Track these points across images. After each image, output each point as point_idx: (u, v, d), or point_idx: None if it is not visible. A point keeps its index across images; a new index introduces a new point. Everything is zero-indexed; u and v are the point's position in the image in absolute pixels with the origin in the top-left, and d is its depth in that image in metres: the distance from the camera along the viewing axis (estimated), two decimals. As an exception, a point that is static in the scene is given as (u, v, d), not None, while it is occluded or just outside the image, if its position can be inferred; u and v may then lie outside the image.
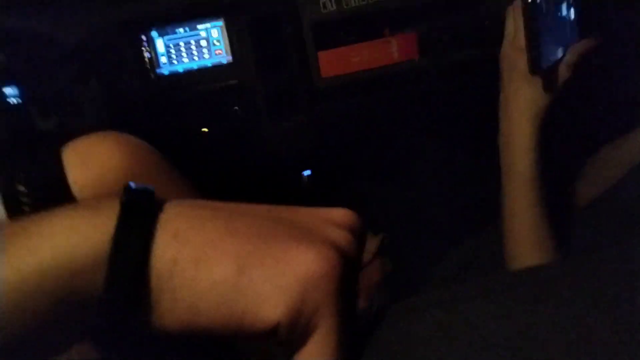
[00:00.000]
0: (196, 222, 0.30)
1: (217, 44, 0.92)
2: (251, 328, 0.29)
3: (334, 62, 0.94)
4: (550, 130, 0.73)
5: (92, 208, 0.30)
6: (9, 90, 0.85)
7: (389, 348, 0.33)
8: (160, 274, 0.29)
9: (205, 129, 0.91)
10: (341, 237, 0.32)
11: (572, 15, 0.75)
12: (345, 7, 0.93)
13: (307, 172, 1.02)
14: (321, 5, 0.92)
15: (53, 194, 0.41)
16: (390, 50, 0.95)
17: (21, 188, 0.40)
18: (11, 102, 0.85)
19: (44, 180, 0.41)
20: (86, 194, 0.41)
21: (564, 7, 0.73)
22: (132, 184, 0.31)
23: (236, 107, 0.93)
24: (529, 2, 0.65)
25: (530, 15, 0.66)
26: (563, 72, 0.71)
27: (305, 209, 0.34)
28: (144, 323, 0.29)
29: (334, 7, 0.92)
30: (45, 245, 0.28)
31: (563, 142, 0.82)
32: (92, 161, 0.43)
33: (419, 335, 0.33)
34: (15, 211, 0.40)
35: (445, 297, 0.36)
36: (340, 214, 0.34)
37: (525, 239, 0.72)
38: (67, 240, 0.28)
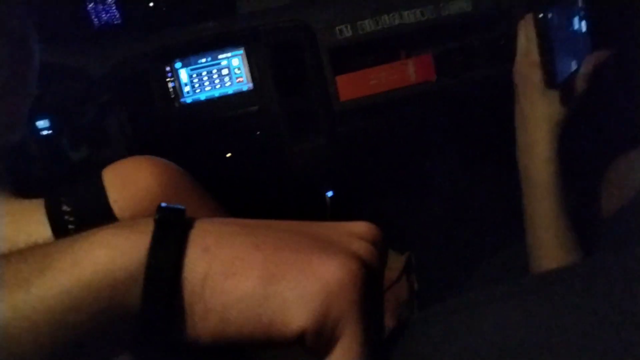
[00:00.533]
0: (225, 237, 0.32)
1: (238, 72, 0.95)
2: (279, 336, 0.30)
3: (352, 86, 0.96)
4: (570, 141, 0.72)
5: (128, 226, 0.32)
6: (41, 123, 0.88)
7: (410, 354, 0.34)
8: (192, 287, 0.30)
9: (229, 154, 0.94)
10: (363, 248, 0.33)
11: (584, 28, 0.75)
12: (360, 32, 0.95)
13: (329, 193, 1.03)
14: (337, 31, 0.95)
15: (96, 213, 0.44)
16: (407, 72, 0.97)
17: (66, 208, 0.43)
18: (44, 134, 0.88)
19: (87, 200, 0.44)
20: (126, 213, 0.44)
21: (576, 20, 0.73)
22: (164, 204, 0.33)
23: (258, 132, 0.95)
24: (541, 17, 0.65)
25: (543, 29, 0.65)
26: (579, 84, 0.71)
27: (327, 223, 0.36)
28: (178, 334, 0.31)
29: (350, 32, 0.95)
30: (85, 261, 0.30)
31: (583, 152, 0.82)
32: (130, 183, 0.46)
33: (438, 341, 0.33)
34: (60, 230, 0.42)
35: (465, 303, 0.36)
36: (361, 227, 0.35)
37: (549, 250, 0.71)
38: (106, 256, 0.30)
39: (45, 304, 0.28)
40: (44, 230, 0.43)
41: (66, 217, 0.43)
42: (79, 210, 0.43)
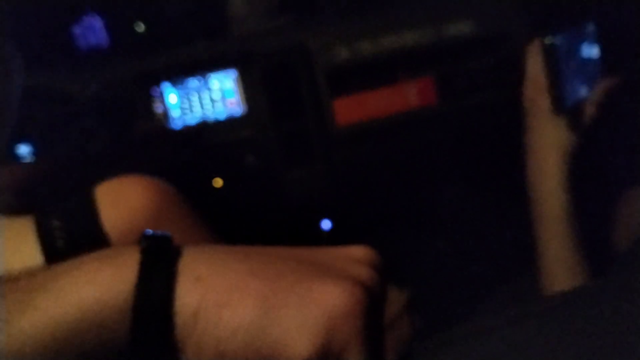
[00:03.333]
0: (217, 265, 0.31)
1: (230, 94, 0.92)
2: None
3: (349, 110, 0.94)
4: (582, 168, 0.72)
5: (113, 258, 0.31)
6: (22, 149, 0.86)
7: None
8: (184, 320, 0.29)
9: (220, 181, 0.91)
10: (363, 273, 0.33)
11: (595, 55, 0.76)
12: (359, 54, 0.93)
13: (326, 222, 1.01)
14: (335, 53, 0.93)
15: (86, 230, 0.43)
16: (407, 95, 0.94)
17: (56, 223, 0.43)
18: (25, 161, 0.86)
19: (78, 217, 0.44)
20: (117, 230, 0.44)
21: (587, 45, 0.74)
22: (149, 232, 0.32)
23: (251, 158, 0.93)
24: (549, 44, 0.67)
25: (550, 56, 0.67)
26: (589, 110, 0.72)
27: (324, 249, 0.35)
28: None
29: (348, 54, 0.93)
30: (69, 299, 0.28)
31: (595, 180, 0.81)
32: (122, 201, 0.46)
33: None
34: (49, 246, 0.42)
35: (474, 329, 0.37)
36: (360, 252, 0.35)
37: (559, 278, 0.71)
38: (91, 294, 0.29)
39: (26, 346, 0.27)
40: (34, 247, 0.42)
41: (56, 232, 0.42)
42: (69, 226, 0.43)
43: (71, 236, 0.43)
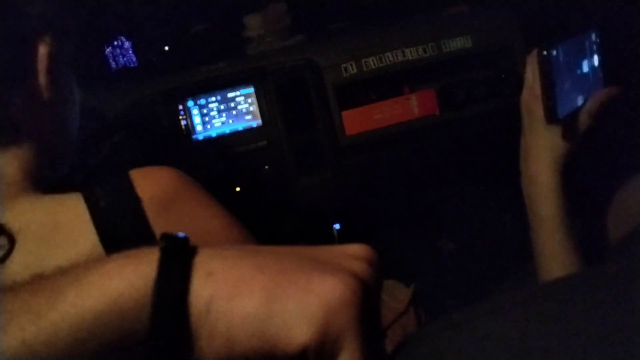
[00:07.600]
0: (228, 262, 0.34)
1: (247, 108, 0.98)
2: (282, 353, 0.31)
3: (357, 120, 0.99)
4: (575, 171, 0.73)
5: (135, 256, 0.33)
6: None
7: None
8: (198, 311, 0.32)
9: (238, 188, 0.95)
10: (359, 267, 0.35)
11: (596, 64, 0.75)
12: (365, 69, 0.98)
13: (337, 226, 1.04)
14: (342, 69, 0.98)
15: (123, 192, 0.49)
16: (411, 106, 0.99)
17: (98, 189, 0.49)
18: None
19: (116, 184, 0.50)
20: (147, 198, 0.50)
21: (587, 54, 0.74)
22: (168, 233, 0.34)
23: (266, 166, 0.97)
24: (544, 54, 0.66)
25: (545, 66, 0.67)
26: (583, 120, 0.72)
27: (324, 246, 0.37)
28: (185, 357, 0.32)
29: (355, 69, 0.98)
30: (96, 293, 0.31)
31: (588, 182, 0.82)
32: (151, 177, 0.52)
33: (442, 352, 0.34)
34: (93, 205, 0.48)
35: (463, 317, 0.37)
36: (357, 248, 0.37)
37: (556, 274, 0.71)
38: (116, 288, 0.31)
39: (56, 337, 0.29)
40: (81, 207, 0.48)
41: (98, 194, 0.48)
42: (109, 192, 0.49)
43: (111, 197, 0.48)
